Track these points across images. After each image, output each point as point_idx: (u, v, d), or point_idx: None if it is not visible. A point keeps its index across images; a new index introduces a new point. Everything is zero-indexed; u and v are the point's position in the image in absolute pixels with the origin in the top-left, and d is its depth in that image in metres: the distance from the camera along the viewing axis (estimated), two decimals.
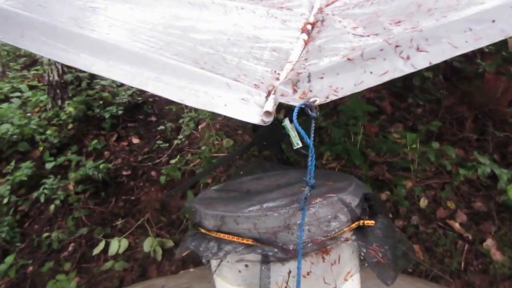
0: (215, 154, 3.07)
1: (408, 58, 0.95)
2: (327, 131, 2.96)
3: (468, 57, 3.05)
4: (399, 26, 1.22)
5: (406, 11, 1.33)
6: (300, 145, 1.18)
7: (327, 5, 2.02)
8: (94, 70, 1.15)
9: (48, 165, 3.27)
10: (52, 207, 3.03)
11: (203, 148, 3.21)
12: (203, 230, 1.05)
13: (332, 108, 3.15)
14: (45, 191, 3.04)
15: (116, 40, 1.25)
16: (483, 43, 0.89)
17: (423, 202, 2.54)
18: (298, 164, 1.92)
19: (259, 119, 1.05)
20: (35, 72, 4.88)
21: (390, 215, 2.55)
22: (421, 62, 0.93)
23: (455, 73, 3.18)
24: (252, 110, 1.07)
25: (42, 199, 3.02)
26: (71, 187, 3.11)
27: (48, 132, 3.52)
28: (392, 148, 2.79)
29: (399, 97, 3.30)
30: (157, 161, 3.38)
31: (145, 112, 4.00)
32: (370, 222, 1.00)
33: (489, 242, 2.29)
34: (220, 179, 2.84)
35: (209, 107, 1.09)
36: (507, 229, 2.34)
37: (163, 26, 1.49)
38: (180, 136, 3.51)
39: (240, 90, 1.11)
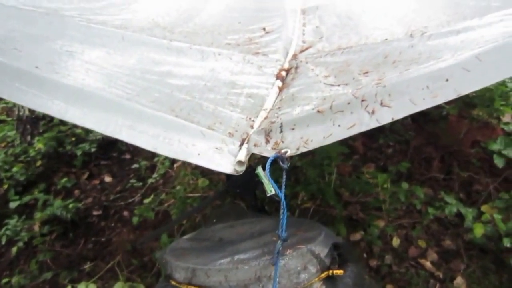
0: (190, 194, 3.03)
1: (373, 112, 1.00)
2: (302, 170, 3.00)
3: None
4: (367, 77, 1.29)
5: (374, 62, 1.42)
6: (274, 192, 1.19)
7: (301, 51, 2.11)
8: (68, 118, 1.15)
9: (13, 204, 3.11)
10: (14, 249, 2.85)
11: (178, 187, 3.16)
12: (173, 282, 1.02)
13: None
14: (7, 232, 2.87)
15: (92, 86, 1.26)
16: (438, 100, 0.94)
17: (396, 241, 2.58)
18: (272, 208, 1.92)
19: (232, 168, 1.07)
20: (4, 105, 4.74)
21: (365, 255, 2.56)
22: (385, 116, 0.98)
23: (422, 115, 3.36)
24: (225, 160, 1.09)
25: (3, 241, 2.85)
26: (36, 228, 2.96)
27: (14, 169, 3.39)
28: (364, 188, 2.85)
29: (370, 138, 3.42)
30: (130, 200, 3.29)
31: (119, 149, 3.92)
32: (339, 272, 1.01)
33: (459, 280, 2.33)
34: (195, 219, 2.79)
35: (183, 156, 1.10)
36: (475, 266, 2.40)
37: (141, 71, 1.51)
38: (155, 175, 3.45)
39: (214, 139, 1.13)
